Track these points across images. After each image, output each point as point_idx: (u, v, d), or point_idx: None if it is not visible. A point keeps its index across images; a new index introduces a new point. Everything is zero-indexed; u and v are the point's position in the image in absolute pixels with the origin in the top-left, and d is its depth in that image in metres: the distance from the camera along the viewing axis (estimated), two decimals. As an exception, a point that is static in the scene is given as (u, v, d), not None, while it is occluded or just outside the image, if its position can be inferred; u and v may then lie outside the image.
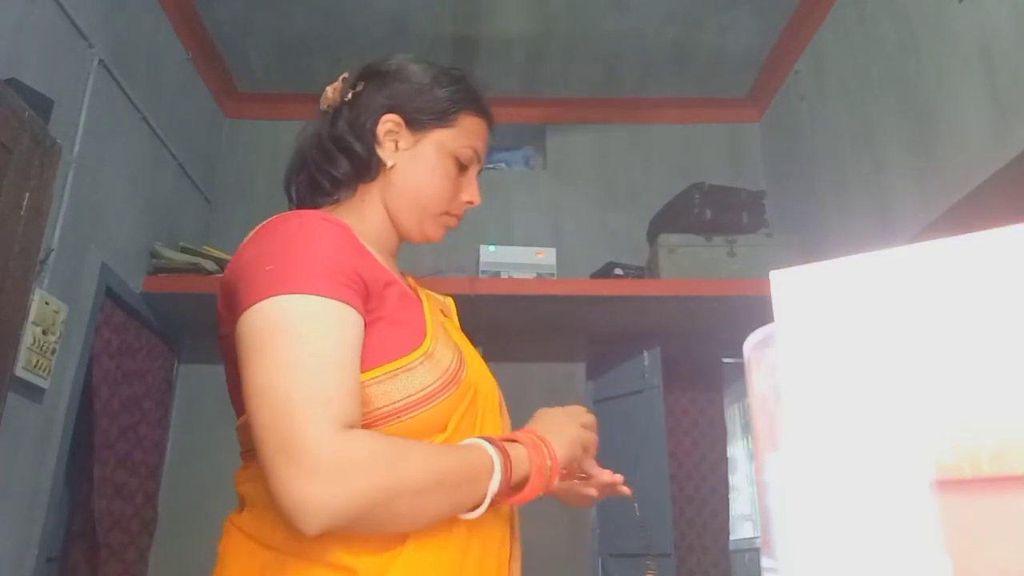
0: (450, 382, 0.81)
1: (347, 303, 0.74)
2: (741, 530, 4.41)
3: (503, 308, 2.93)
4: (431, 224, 0.95)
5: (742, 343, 0.29)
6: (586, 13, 3.08)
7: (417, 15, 3.09)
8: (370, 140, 0.92)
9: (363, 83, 0.96)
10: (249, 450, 0.84)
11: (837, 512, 0.23)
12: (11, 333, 1.85)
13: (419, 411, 0.78)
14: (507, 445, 0.79)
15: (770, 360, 0.27)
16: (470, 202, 0.97)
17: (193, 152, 3.17)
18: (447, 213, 0.96)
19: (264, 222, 0.83)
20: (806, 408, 0.25)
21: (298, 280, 0.73)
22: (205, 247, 2.95)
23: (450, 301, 1.01)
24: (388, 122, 0.93)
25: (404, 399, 0.77)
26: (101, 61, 2.36)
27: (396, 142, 0.93)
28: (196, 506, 2.89)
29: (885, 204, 2.48)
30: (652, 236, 3.07)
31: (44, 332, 2.03)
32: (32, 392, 2.04)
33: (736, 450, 4.65)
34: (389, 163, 0.92)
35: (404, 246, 0.98)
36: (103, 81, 2.39)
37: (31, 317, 1.96)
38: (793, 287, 0.28)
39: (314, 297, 0.73)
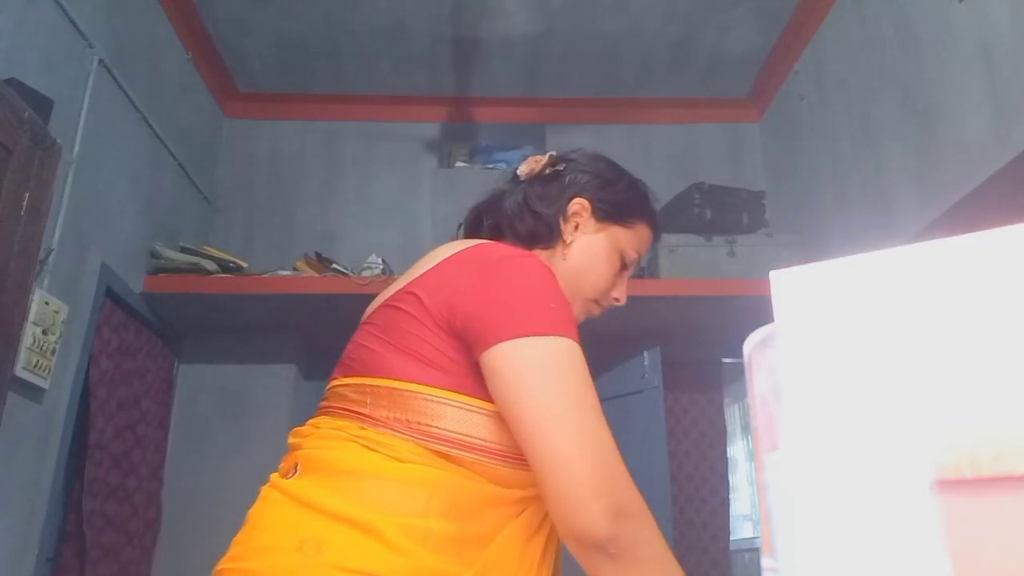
0: None
1: None
2: (741, 530, 4.41)
3: (503, 308, 2.92)
4: (580, 306, 1.02)
5: (742, 343, 0.29)
6: (586, 13, 3.08)
7: (417, 15, 3.09)
8: (558, 213, 1.01)
9: (564, 165, 1.05)
10: (338, 408, 0.83)
11: (837, 512, 0.23)
12: (11, 333, 1.85)
13: None
14: None
15: (770, 360, 0.27)
16: (617, 299, 1.04)
17: (193, 152, 3.17)
18: (595, 301, 1.03)
19: (486, 243, 0.90)
20: (806, 408, 0.25)
21: (573, 326, 0.82)
22: (205, 247, 2.95)
23: None
24: (577, 204, 1.01)
25: None
26: (101, 61, 2.36)
27: (578, 224, 1.01)
28: (196, 505, 2.89)
29: (885, 204, 2.48)
30: (652, 236, 3.07)
31: (44, 332, 2.03)
32: (32, 392, 2.04)
33: (736, 450, 4.65)
34: (568, 239, 1.01)
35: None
36: (103, 81, 2.39)
37: (31, 317, 1.96)
38: (793, 287, 0.28)
39: (579, 350, 0.81)
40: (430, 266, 0.87)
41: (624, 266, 1.04)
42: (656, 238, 1.09)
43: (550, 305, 0.81)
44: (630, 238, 1.03)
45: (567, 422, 0.75)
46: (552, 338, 0.79)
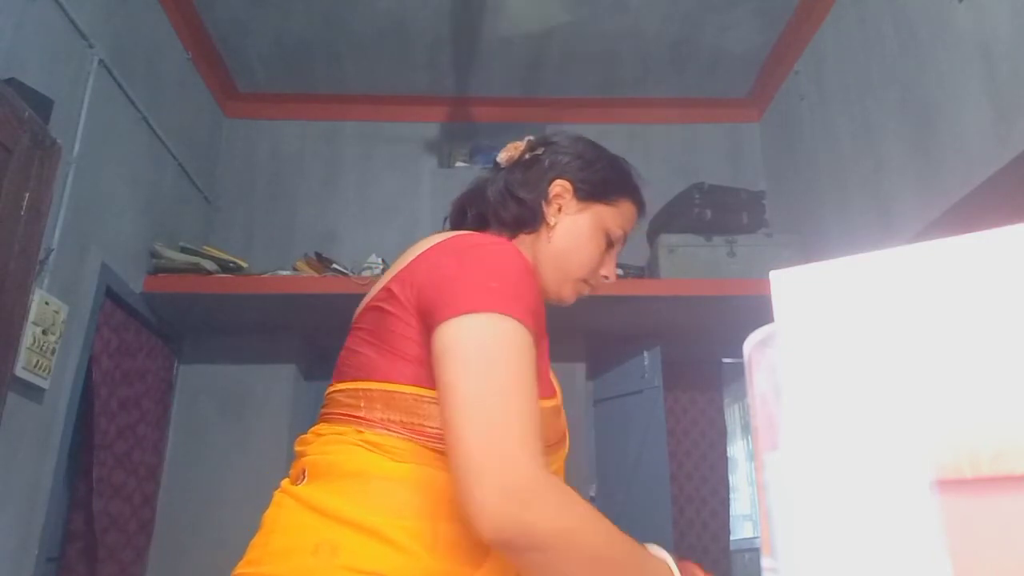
0: (563, 438, 0.90)
1: (534, 340, 0.79)
2: (741, 530, 4.41)
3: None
4: (569, 287, 1.02)
5: (742, 343, 0.29)
6: (586, 13, 3.08)
7: (417, 15, 3.09)
8: (540, 197, 1.01)
9: (543, 148, 1.06)
10: (336, 414, 0.84)
11: (837, 512, 0.23)
12: (11, 333, 1.85)
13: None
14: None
15: (770, 360, 0.27)
16: (606, 277, 1.04)
17: (193, 152, 3.17)
18: (585, 281, 1.03)
19: (461, 234, 0.90)
20: (806, 408, 0.25)
21: (516, 307, 0.77)
22: (205, 247, 2.95)
23: None
24: (559, 186, 1.01)
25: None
26: (101, 61, 2.36)
27: (561, 206, 1.01)
28: (195, 506, 2.89)
29: (885, 204, 2.48)
30: (652, 236, 3.07)
31: (44, 332, 2.03)
32: (32, 392, 2.04)
33: (736, 450, 4.65)
34: (551, 222, 1.00)
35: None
36: (103, 81, 2.39)
37: (31, 317, 1.96)
38: (793, 287, 0.28)
39: (523, 327, 0.76)
40: (407, 262, 0.87)
41: (610, 244, 1.03)
42: (641, 213, 1.08)
43: (489, 284, 0.78)
44: (614, 216, 1.03)
45: (466, 403, 0.71)
46: (476, 315, 0.75)
